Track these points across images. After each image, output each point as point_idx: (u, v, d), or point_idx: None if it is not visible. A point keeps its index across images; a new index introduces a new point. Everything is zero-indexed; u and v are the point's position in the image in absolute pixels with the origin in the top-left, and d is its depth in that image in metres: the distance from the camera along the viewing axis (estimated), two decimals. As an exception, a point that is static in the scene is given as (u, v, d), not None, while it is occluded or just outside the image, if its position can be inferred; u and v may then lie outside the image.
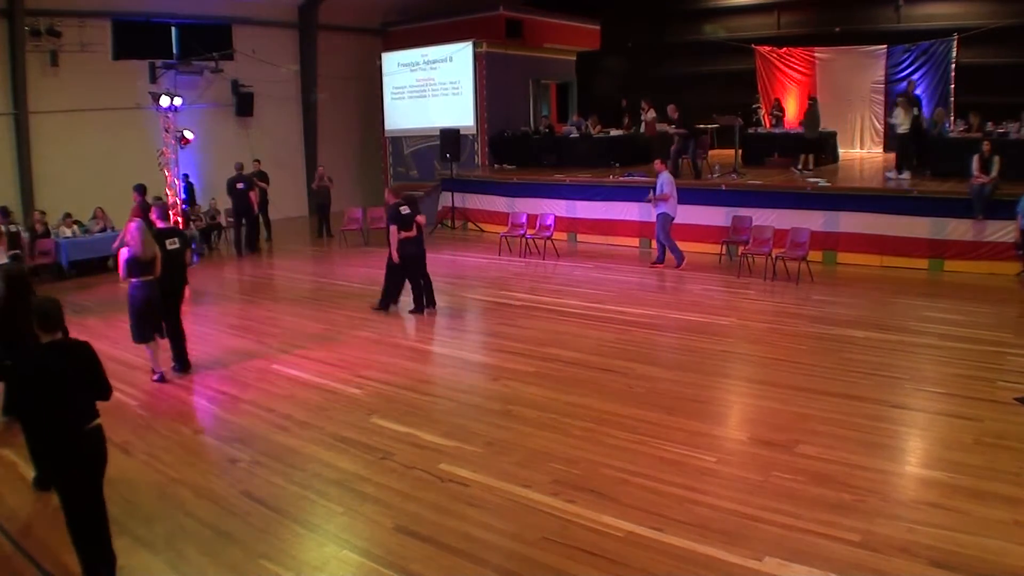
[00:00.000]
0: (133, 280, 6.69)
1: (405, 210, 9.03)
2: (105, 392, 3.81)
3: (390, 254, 9.09)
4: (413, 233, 9.03)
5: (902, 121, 12.51)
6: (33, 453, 4.32)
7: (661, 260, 11.60)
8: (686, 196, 12.31)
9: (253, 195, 13.97)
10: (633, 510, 4.40)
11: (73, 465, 3.62)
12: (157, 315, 6.90)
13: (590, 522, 4.29)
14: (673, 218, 11.36)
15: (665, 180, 11.23)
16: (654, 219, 11.59)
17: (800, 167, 13.83)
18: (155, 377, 6.98)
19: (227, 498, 4.74)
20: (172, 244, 7.13)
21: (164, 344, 7.20)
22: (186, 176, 14.78)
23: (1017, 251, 10.01)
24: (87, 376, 3.72)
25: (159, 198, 7.07)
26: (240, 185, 13.79)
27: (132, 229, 6.70)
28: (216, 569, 3.98)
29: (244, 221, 14.14)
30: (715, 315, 8.79)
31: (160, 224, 7.29)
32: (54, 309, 3.66)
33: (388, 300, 9.37)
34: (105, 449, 3.78)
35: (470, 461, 5.14)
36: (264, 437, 5.66)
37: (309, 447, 5.46)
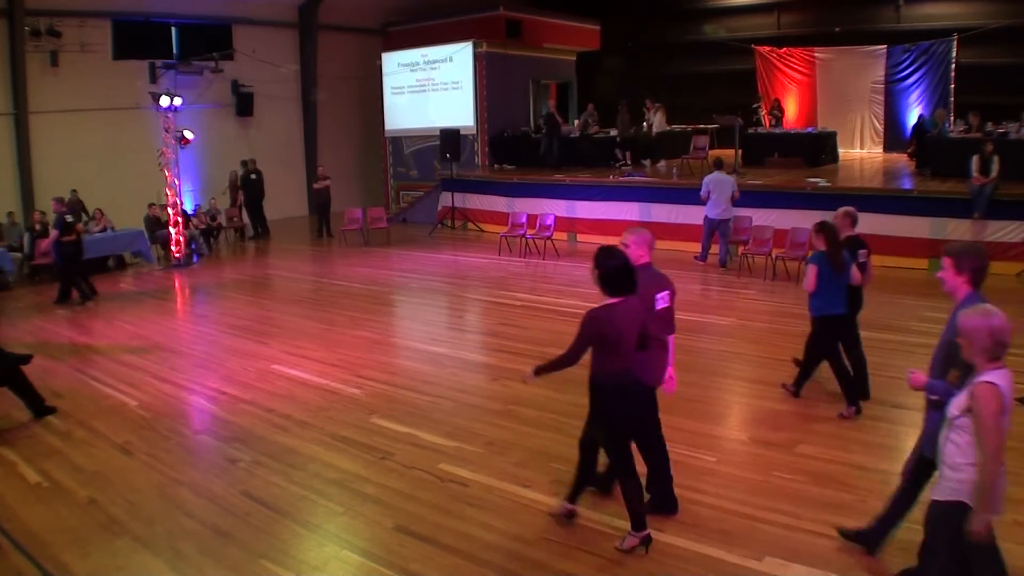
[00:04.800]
0: None
1: (69, 218, 10.57)
2: None
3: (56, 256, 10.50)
4: (74, 237, 10.58)
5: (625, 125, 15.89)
6: None
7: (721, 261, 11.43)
8: (686, 195, 12.33)
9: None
10: (633, 510, 4.39)
11: None
12: None
13: (590, 522, 4.29)
14: (709, 219, 11.23)
15: (705, 181, 11.18)
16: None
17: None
18: None
19: (227, 498, 4.73)
20: None
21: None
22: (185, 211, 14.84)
23: None
24: None
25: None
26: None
27: None
28: (216, 569, 3.98)
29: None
30: (715, 315, 8.79)
31: None
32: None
33: (66, 294, 10.61)
34: None
35: (470, 461, 5.14)
36: (264, 437, 5.66)
37: (309, 447, 5.46)
